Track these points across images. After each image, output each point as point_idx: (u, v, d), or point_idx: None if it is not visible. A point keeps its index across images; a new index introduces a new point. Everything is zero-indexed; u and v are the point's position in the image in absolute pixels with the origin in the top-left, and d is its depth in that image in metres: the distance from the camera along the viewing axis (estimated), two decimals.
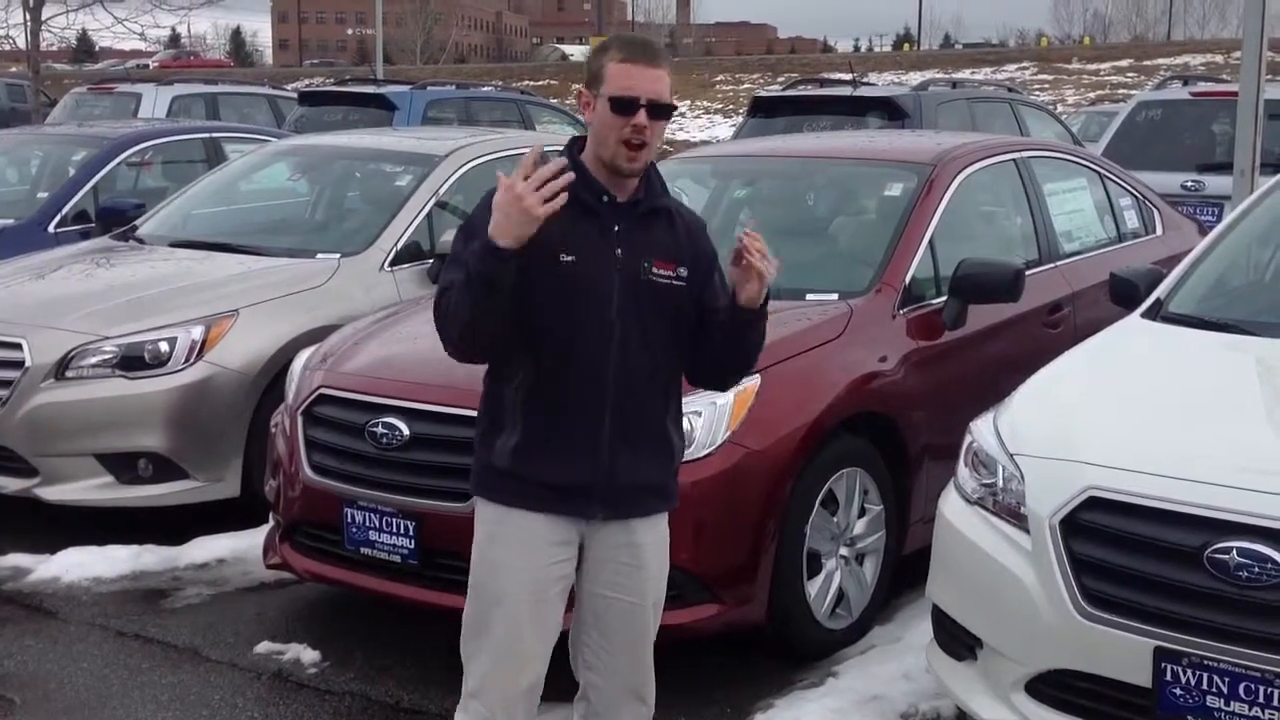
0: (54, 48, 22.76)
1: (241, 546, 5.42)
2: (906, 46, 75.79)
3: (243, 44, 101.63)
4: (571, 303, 2.86)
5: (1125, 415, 3.72)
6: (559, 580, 2.98)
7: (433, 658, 4.46)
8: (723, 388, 3.33)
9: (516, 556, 2.95)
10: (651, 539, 3.05)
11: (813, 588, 4.42)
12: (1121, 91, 32.79)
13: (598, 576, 3.02)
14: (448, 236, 6.28)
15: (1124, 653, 3.21)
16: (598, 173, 2.92)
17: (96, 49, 62.20)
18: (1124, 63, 41.15)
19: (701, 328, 3.00)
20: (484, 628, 2.98)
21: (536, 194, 2.69)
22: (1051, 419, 3.76)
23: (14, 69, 29.56)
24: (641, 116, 2.84)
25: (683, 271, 2.97)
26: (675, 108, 2.96)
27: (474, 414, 4.12)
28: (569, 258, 2.86)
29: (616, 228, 2.92)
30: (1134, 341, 4.32)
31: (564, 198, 2.72)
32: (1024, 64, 42.16)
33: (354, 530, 4.37)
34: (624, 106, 2.84)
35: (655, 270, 2.94)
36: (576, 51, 64.44)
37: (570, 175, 2.74)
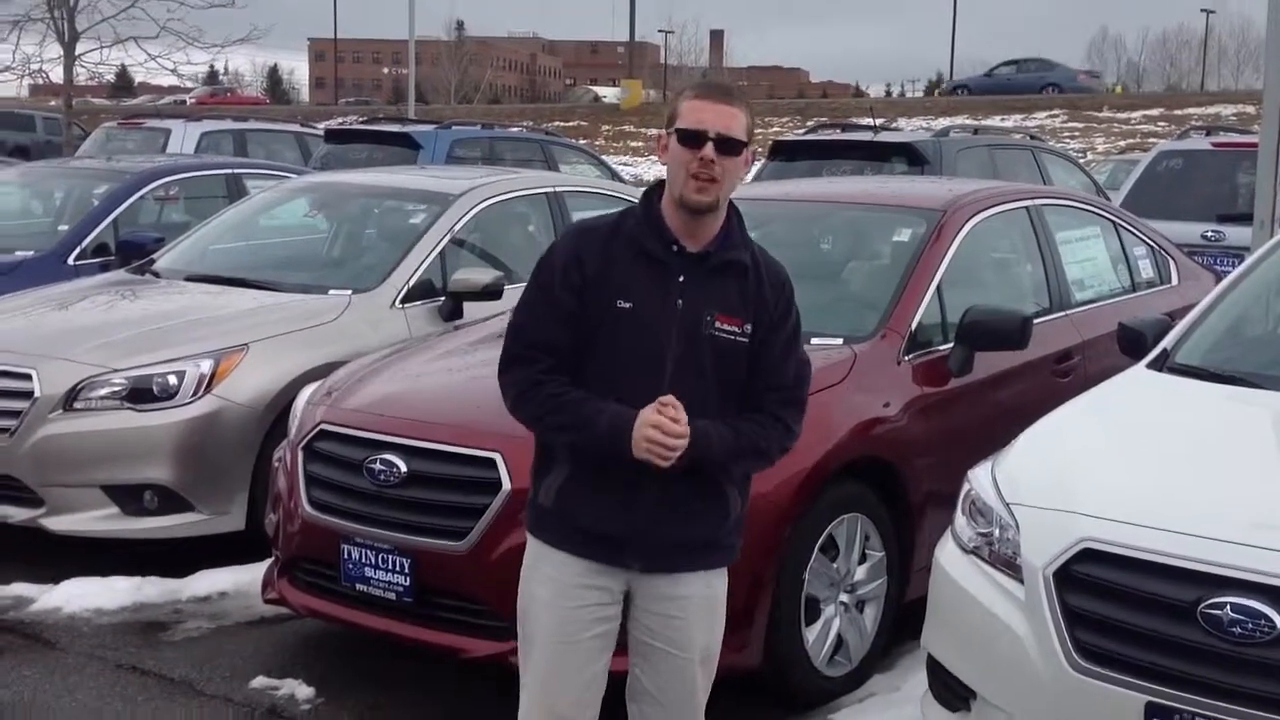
0: (93, 82, 23.02)
1: (244, 580, 5.41)
2: (937, 92, 75.87)
3: (279, 81, 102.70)
4: (623, 349, 2.82)
5: (1123, 467, 3.67)
6: (593, 624, 2.93)
7: (426, 696, 4.44)
8: None
9: (547, 594, 2.95)
10: (698, 593, 2.98)
11: (811, 634, 4.38)
12: (1151, 140, 32.61)
13: (643, 623, 3.00)
14: (460, 275, 6.31)
15: (1115, 707, 3.16)
16: (673, 219, 2.89)
17: (135, 84, 62.95)
18: (1155, 111, 41.01)
19: (751, 389, 2.96)
20: (527, 656, 3.03)
21: (658, 445, 2.73)
22: (1049, 469, 3.72)
23: (53, 102, 29.98)
24: (709, 150, 2.81)
25: (748, 328, 2.91)
26: (747, 144, 2.89)
27: (471, 452, 4.20)
28: (626, 304, 2.84)
29: (681, 278, 2.87)
30: (1137, 392, 4.27)
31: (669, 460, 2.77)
32: (1054, 111, 42.05)
33: (350, 566, 4.36)
34: (692, 139, 2.82)
35: (718, 325, 2.88)
36: (609, 93, 64.94)
37: (685, 430, 2.76)
